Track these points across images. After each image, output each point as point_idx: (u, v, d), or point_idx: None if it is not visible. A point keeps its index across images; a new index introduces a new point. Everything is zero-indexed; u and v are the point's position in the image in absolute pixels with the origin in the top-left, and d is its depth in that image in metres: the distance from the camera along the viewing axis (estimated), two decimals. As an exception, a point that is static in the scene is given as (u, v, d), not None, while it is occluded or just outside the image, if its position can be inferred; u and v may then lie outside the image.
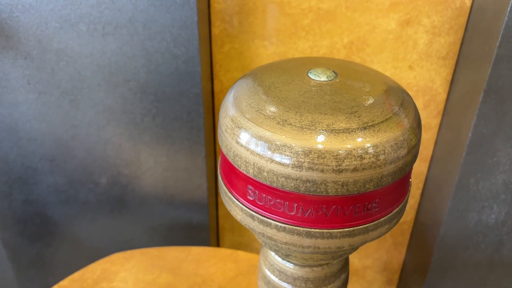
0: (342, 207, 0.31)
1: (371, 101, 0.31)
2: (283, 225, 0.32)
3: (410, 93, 0.68)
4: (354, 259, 0.87)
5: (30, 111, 0.62)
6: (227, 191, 0.35)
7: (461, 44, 0.63)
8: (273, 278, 0.41)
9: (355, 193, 0.30)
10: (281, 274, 0.41)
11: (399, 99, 0.33)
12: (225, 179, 0.36)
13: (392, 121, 0.31)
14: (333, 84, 0.33)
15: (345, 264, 0.42)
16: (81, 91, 0.60)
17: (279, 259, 0.40)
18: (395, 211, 0.34)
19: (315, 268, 0.40)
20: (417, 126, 0.32)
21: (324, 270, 0.40)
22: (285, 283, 0.41)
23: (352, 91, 0.32)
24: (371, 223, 0.32)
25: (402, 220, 0.81)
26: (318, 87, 0.32)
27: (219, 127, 0.34)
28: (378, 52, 0.64)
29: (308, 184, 0.30)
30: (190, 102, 0.60)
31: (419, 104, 0.69)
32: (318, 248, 0.33)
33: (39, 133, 0.64)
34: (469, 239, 0.69)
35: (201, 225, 0.72)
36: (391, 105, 0.32)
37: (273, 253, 0.41)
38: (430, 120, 0.70)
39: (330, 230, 0.32)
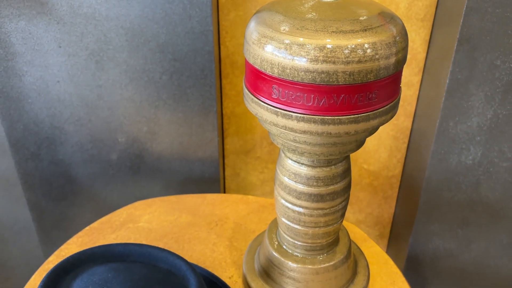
0: (349, 96, 0.39)
1: (368, 14, 0.40)
2: (302, 115, 0.40)
3: (394, 52, 0.77)
4: (348, 214, 0.96)
5: (59, 73, 0.70)
6: (253, 97, 0.43)
7: (436, 5, 0.73)
8: (289, 181, 0.49)
9: (359, 82, 0.39)
10: (296, 176, 0.49)
11: (389, 15, 0.41)
12: (250, 88, 0.44)
13: (385, 27, 0.39)
14: (338, 3, 0.41)
15: (348, 168, 0.50)
16: (106, 53, 0.68)
17: (295, 164, 0.49)
18: (390, 105, 0.42)
19: (324, 168, 0.48)
20: (404, 34, 0.41)
21: (331, 170, 0.48)
22: (299, 184, 0.49)
23: (352, 7, 0.41)
24: (372, 112, 0.41)
25: (390, 173, 0.90)
26: (326, 5, 0.41)
27: (246, 43, 0.43)
28: (365, 15, 0.73)
29: (323, 75, 0.38)
30: (203, 60, 0.68)
31: (402, 63, 0.78)
32: (330, 133, 0.41)
33: (67, 94, 0.71)
34: (451, 180, 0.78)
35: (212, 179, 0.80)
36: (384, 18, 0.41)
37: (289, 161, 0.49)
38: (412, 78, 0.80)
39: (339, 117, 0.40)
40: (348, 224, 0.68)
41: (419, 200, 0.81)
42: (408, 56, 0.77)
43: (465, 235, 0.84)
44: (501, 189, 0.78)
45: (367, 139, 0.84)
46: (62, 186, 0.80)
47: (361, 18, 0.39)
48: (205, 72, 0.70)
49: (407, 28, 0.74)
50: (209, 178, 0.80)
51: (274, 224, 0.59)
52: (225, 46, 0.76)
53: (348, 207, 0.95)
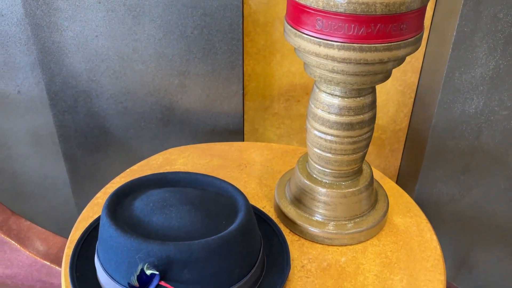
0: (384, 25, 0.46)
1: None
2: (342, 44, 0.47)
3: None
4: (359, 167, 1.03)
5: (98, 28, 0.75)
6: (296, 31, 0.50)
7: (444, -35, 0.79)
8: (323, 113, 0.56)
9: (393, 12, 0.45)
10: (330, 107, 0.55)
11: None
12: (293, 23, 0.50)
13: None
14: None
15: (375, 101, 0.57)
16: (143, 8, 0.73)
17: (328, 96, 0.55)
18: (416, 37, 0.49)
19: (355, 99, 0.55)
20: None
21: (361, 101, 0.55)
22: (332, 115, 0.56)
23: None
24: (402, 41, 0.48)
25: (397, 127, 0.97)
26: None
27: (292, -16, 0.49)
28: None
29: (363, 6, 0.44)
30: (232, 15, 0.74)
31: (411, 21, 0.85)
32: (367, 60, 0.47)
33: (105, 48, 0.77)
34: (455, 129, 0.86)
35: (236, 130, 0.86)
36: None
37: (323, 94, 0.56)
38: (420, 35, 0.86)
39: (376, 45, 0.47)
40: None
41: (425, 148, 0.89)
42: (417, 14, 0.84)
43: (466, 180, 0.92)
44: (500, 136, 0.86)
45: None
46: (96, 137, 0.86)
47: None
48: (233, 27, 0.75)
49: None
50: (233, 130, 0.86)
51: (304, 158, 0.65)
52: (247, 4, 0.82)
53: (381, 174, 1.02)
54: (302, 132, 0.98)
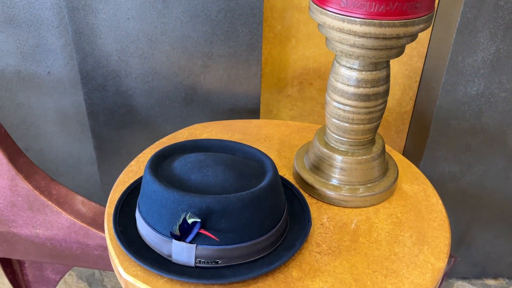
0: (401, 3, 0.52)
1: None
2: (364, 19, 0.53)
3: None
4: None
5: (129, 10, 0.81)
6: (322, 9, 0.56)
7: (449, -43, 0.85)
8: (342, 85, 0.62)
9: (409, -8, 0.51)
10: (349, 79, 0.62)
11: None
12: (319, 2, 0.56)
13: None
14: None
15: (388, 75, 0.63)
16: (172, -7, 0.79)
17: (347, 70, 0.61)
18: (428, 15, 0.55)
19: (372, 72, 0.61)
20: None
21: (377, 74, 0.61)
22: (351, 87, 0.62)
23: None
24: (417, 18, 0.54)
25: (403, 110, 1.04)
26: None
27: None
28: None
29: (383, -14, 0.51)
30: None
31: (417, 8, 0.91)
32: (385, 35, 0.54)
33: (135, 30, 0.83)
34: (458, 110, 0.92)
35: (254, 109, 0.93)
36: None
37: (343, 68, 0.62)
38: (426, 22, 0.92)
39: (393, 21, 0.53)
40: (375, 139, 0.82)
41: (429, 129, 0.95)
42: (423, 2, 0.90)
43: (467, 159, 0.98)
44: (499, 117, 0.93)
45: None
46: (123, 115, 0.92)
47: None
48: (255, 11, 0.82)
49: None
50: (251, 109, 0.92)
51: (321, 130, 0.72)
52: (266, -9, 0.88)
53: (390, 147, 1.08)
54: (313, 114, 1.04)
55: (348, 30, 0.55)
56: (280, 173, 0.74)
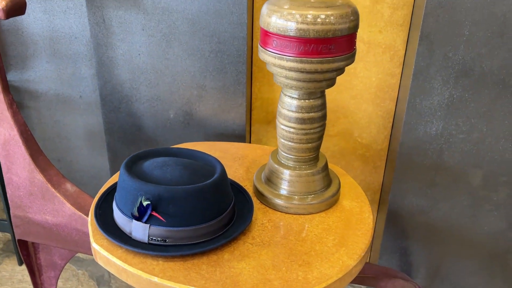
0: (317, 45, 0.67)
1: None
2: (290, 57, 0.68)
3: (380, 49, 1.04)
4: (347, 179, 1.20)
5: (141, 48, 1.01)
6: (263, 49, 0.72)
7: (411, 14, 0.99)
8: (285, 111, 0.77)
9: (323, 36, 0.66)
10: (290, 106, 0.76)
11: (347, 1, 0.69)
12: (262, 44, 0.72)
13: (342, 6, 0.67)
14: (315, -6, 0.70)
15: (323, 104, 0.77)
16: (174, 35, 0.99)
17: (288, 98, 0.76)
18: (344, 56, 0.70)
19: (306, 100, 0.75)
20: (355, 12, 0.69)
21: (312, 102, 0.76)
22: (291, 112, 0.76)
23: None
24: (330, 58, 0.68)
25: (379, 147, 1.15)
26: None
27: (262, 17, 0.71)
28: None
29: (301, 31, 0.66)
30: (239, 44, 0.98)
31: (386, 58, 1.05)
32: (305, 69, 0.69)
33: (144, 63, 1.03)
34: (419, 147, 1.03)
35: (240, 135, 1.08)
36: (342, 2, 0.69)
37: (286, 97, 0.77)
38: (395, 69, 1.06)
39: (311, 59, 0.68)
40: (334, 166, 0.94)
41: (395, 162, 1.06)
42: (391, 53, 1.04)
43: (433, 194, 1.07)
44: (459, 156, 1.02)
45: (360, 116, 1.10)
46: (133, 133, 1.11)
47: (327, 3, 0.67)
48: (239, 53, 0.99)
49: (390, 31, 1.02)
50: (238, 135, 1.08)
51: (276, 150, 0.86)
52: (256, 38, 1.06)
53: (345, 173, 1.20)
54: (299, 145, 1.18)
55: (279, 65, 0.70)
56: (243, 184, 0.88)
